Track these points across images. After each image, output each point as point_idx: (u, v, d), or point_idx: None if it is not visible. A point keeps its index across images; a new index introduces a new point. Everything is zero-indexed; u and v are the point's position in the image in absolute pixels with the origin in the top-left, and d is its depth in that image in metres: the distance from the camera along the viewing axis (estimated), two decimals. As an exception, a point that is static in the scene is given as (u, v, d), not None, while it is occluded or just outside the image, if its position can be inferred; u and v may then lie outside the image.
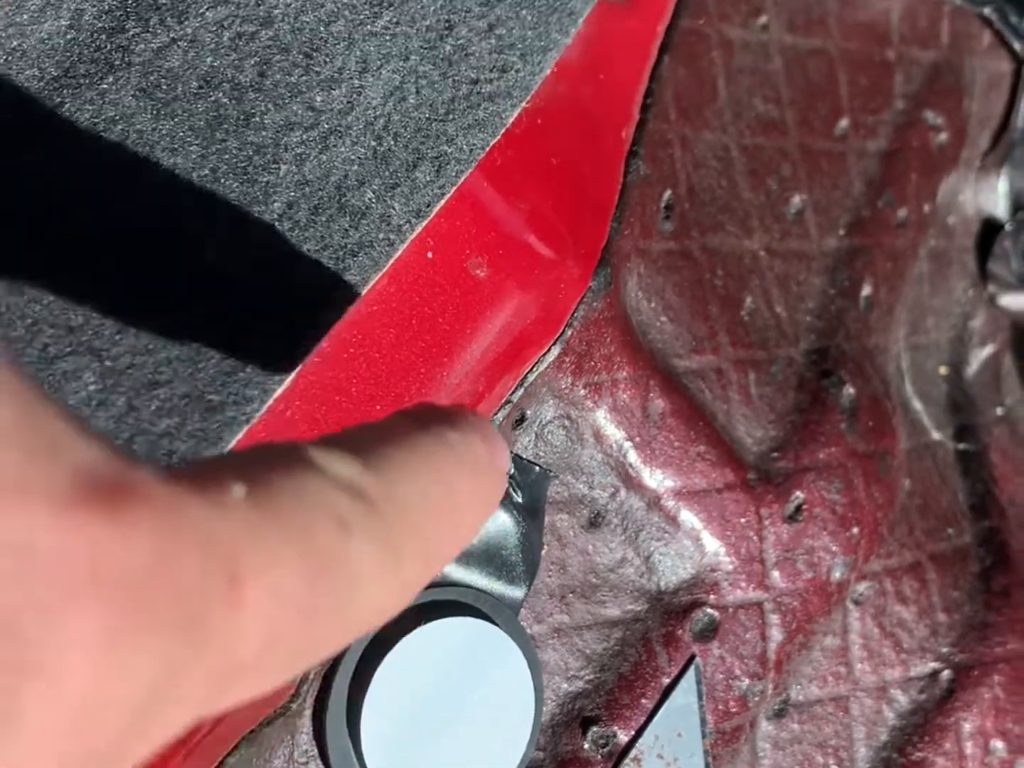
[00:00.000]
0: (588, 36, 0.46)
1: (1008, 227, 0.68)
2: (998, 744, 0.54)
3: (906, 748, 0.52)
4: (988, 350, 0.68)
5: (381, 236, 0.39)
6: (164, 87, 0.38)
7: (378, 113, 0.39)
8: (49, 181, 0.37)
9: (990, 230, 0.68)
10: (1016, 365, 0.72)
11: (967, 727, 0.53)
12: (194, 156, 0.38)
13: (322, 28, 0.39)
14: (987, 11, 0.63)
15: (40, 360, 0.35)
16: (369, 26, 0.40)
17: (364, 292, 0.39)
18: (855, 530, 0.51)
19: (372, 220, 0.39)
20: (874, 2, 0.60)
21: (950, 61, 0.63)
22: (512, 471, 0.45)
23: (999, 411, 0.66)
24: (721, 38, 0.53)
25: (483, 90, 0.41)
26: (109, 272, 0.37)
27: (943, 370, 0.64)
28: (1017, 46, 0.66)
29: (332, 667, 0.43)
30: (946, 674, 0.54)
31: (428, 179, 0.40)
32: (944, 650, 0.54)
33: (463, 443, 0.27)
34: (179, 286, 0.37)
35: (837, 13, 0.58)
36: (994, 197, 0.68)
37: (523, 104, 0.42)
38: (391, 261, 0.39)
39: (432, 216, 0.40)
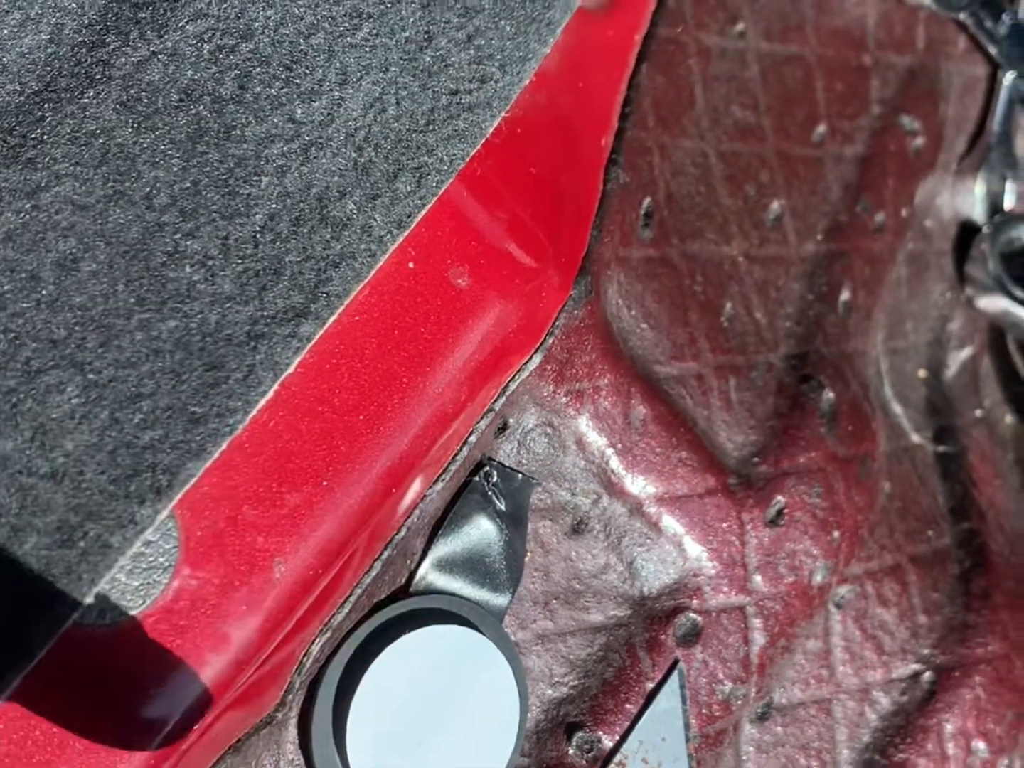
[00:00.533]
0: (566, 46, 0.47)
1: (985, 230, 0.68)
2: (980, 745, 0.54)
3: (888, 750, 0.53)
4: (966, 352, 0.69)
5: (363, 247, 0.39)
6: (145, 100, 0.38)
7: (358, 124, 0.40)
8: (32, 193, 0.37)
9: (967, 233, 0.69)
10: (995, 367, 0.73)
11: (949, 728, 0.54)
12: (175, 169, 0.38)
13: (302, 40, 0.40)
14: (962, 16, 0.64)
15: (23, 374, 0.36)
16: (349, 38, 0.40)
17: (346, 303, 0.39)
18: (836, 533, 0.51)
19: (353, 231, 0.39)
20: (850, 8, 0.60)
21: (926, 66, 0.63)
22: (495, 478, 0.45)
23: (978, 413, 0.67)
24: (698, 46, 0.53)
25: (463, 101, 0.41)
26: (92, 284, 0.37)
27: (922, 373, 0.65)
28: (992, 51, 0.66)
29: (317, 676, 0.43)
30: (927, 676, 0.54)
31: (409, 190, 0.40)
32: (925, 652, 0.54)
33: None
34: (161, 298, 0.37)
35: (814, 20, 0.58)
36: (971, 200, 0.69)
37: (502, 114, 0.43)
38: (372, 272, 0.39)
39: (413, 227, 0.40)
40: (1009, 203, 0.70)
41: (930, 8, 0.63)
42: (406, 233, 0.40)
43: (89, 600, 0.35)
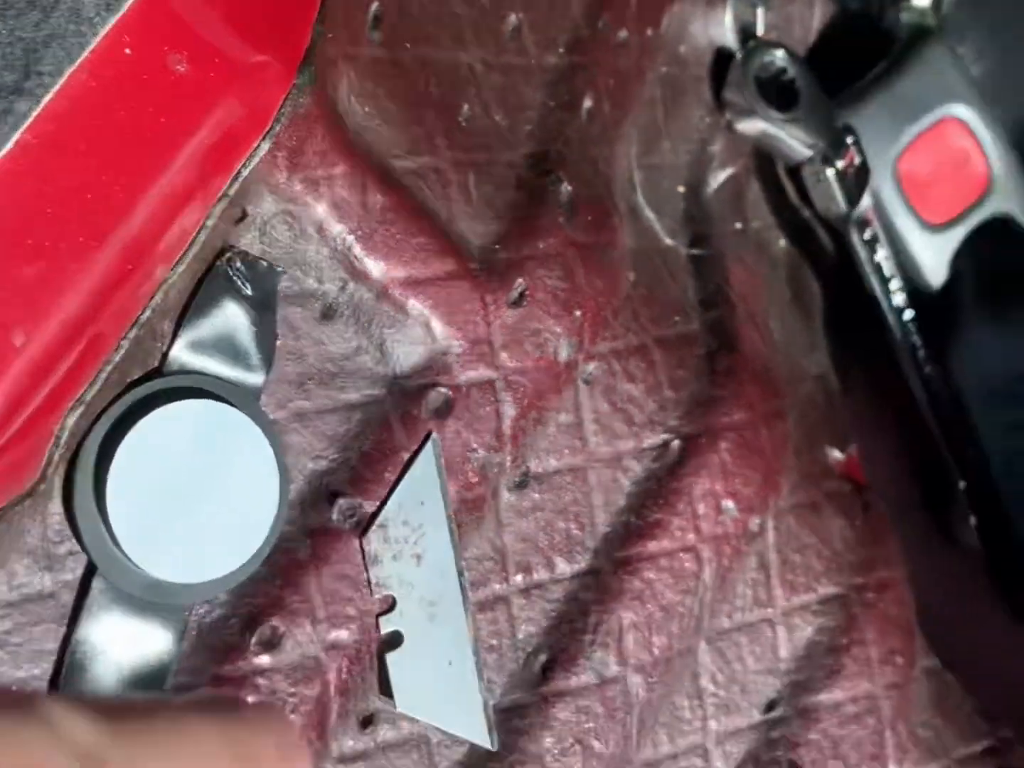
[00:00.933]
0: None
1: (739, 56, 0.72)
2: (729, 504, 0.59)
3: (642, 511, 0.57)
4: (728, 172, 0.73)
5: (72, 27, 0.41)
6: None
7: None
8: None
9: (723, 60, 0.73)
10: (765, 192, 0.77)
11: (698, 490, 0.58)
12: None
13: None
14: None
15: None
16: None
17: (60, 82, 0.42)
18: (578, 313, 0.55)
19: (62, 12, 0.41)
20: None
21: None
22: (238, 264, 0.48)
23: (738, 225, 0.71)
24: None
25: None
26: None
27: (681, 188, 0.69)
28: None
29: (76, 451, 0.46)
30: (676, 443, 0.59)
31: None
32: (673, 423, 0.59)
33: (248, 741, 0.26)
34: None
35: None
36: (723, 26, 0.73)
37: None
38: (84, 53, 0.42)
39: (124, 11, 0.43)
40: (761, 30, 0.75)
41: None
42: (116, 16, 0.42)
43: None
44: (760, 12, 0.74)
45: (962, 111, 0.80)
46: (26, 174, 0.42)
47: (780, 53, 0.73)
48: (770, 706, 0.61)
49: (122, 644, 0.47)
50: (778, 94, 0.74)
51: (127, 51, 0.44)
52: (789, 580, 0.62)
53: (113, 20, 0.42)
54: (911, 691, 0.66)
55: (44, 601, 0.46)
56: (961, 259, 0.81)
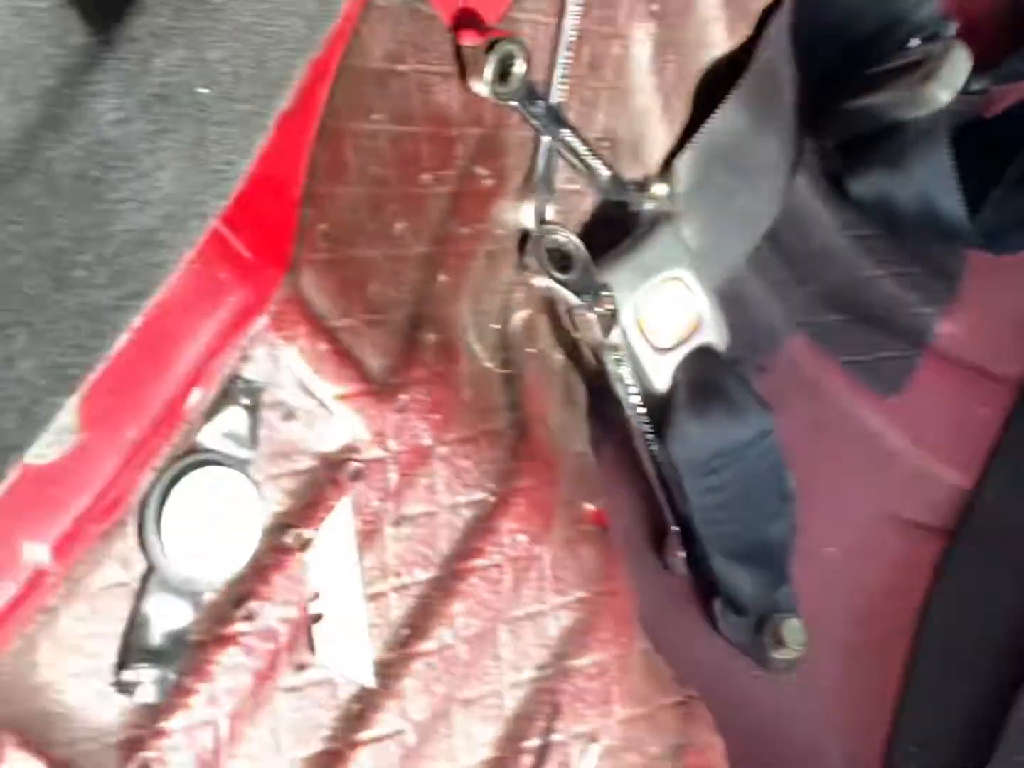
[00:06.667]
0: (274, 136, 0.81)
1: (535, 234, 1.07)
2: (522, 537, 0.93)
3: (469, 540, 0.91)
4: (525, 313, 1.07)
5: (171, 258, 0.73)
6: None
7: (169, 189, 0.73)
8: None
9: (527, 237, 1.07)
10: (549, 323, 1.12)
11: (504, 527, 0.92)
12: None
13: None
14: (514, 103, 1.02)
15: None
16: None
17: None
18: (437, 416, 0.89)
19: (167, 249, 0.73)
20: (442, 101, 0.97)
21: (494, 134, 1.01)
22: (241, 386, 0.80)
23: (532, 350, 1.06)
24: (350, 130, 0.89)
25: (221, 175, 0.75)
26: None
27: (495, 325, 1.03)
28: (534, 123, 1.05)
29: (147, 496, 0.77)
30: (491, 499, 0.93)
31: (194, 225, 0.74)
32: (490, 485, 0.93)
33: None
34: None
35: (420, 109, 0.95)
36: (526, 216, 1.07)
37: (241, 182, 0.77)
38: (178, 268, 0.73)
39: (197, 246, 0.74)
40: (551, 216, 1.09)
41: (492, 100, 1.00)
42: (194, 249, 0.74)
43: None
44: (550, 206, 1.09)
45: (683, 272, 1.17)
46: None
47: (563, 233, 1.08)
48: (541, 667, 0.96)
49: (163, 613, 0.78)
50: (560, 260, 1.09)
51: (196, 266, 0.75)
52: (557, 587, 0.97)
53: (191, 251, 0.74)
54: (631, 661, 1.01)
55: (123, 587, 0.77)
56: (679, 372, 1.17)
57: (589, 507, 1.02)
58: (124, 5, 0.77)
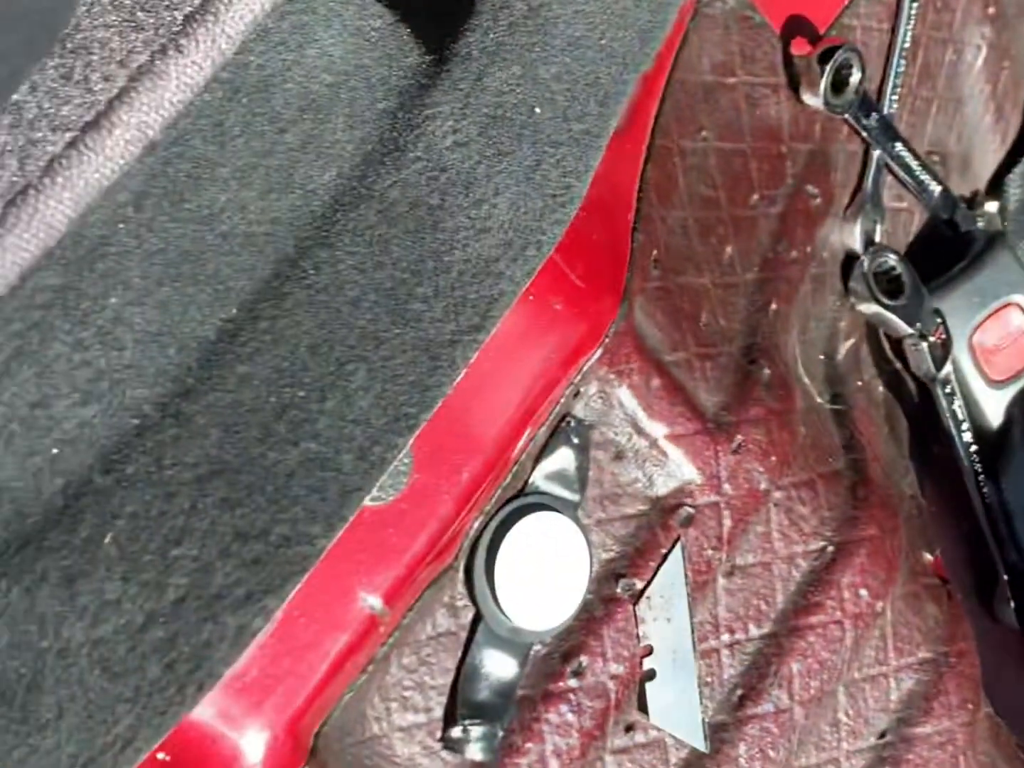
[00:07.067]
0: (604, 157, 0.76)
1: (863, 257, 0.99)
2: (863, 592, 0.85)
3: (806, 594, 0.83)
4: (850, 342, 0.99)
5: (509, 288, 0.68)
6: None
7: (505, 218, 0.68)
8: None
9: (851, 259, 1.00)
10: (871, 353, 1.04)
11: (844, 581, 0.84)
12: (408, 244, 0.66)
13: (475, 170, 0.68)
14: (846, 116, 0.95)
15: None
16: (497, 167, 0.69)
17: (499, 322, 0.68)
18: (773, 458, 0.82)
19: (504, 278, 0.68)
20: (771, 114, 0.90)
21: (822, 149, 0.94)
22: (572, 424, 0.75)
23: (859, 383, 0.98)
24: (679, 148, 0.83)
25: (558, 200, 0.70)
26: None
27: (821, 356, 0.95)
28: (865, 135, 0.97)
29: (476, 540, 0.72)
30: (830, 549, 0.85)
31: (531, 254, 0.69)
32: (829, 534, 0.85)
33: None
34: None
35: (749, 124, 0.89)
36: (853, 237, 0.99)
37: (579, 206, 0.72)
38: (513, 301, 0.68)
39: (534, 276, 0.69)
40: (879, 237, 1.01)
41: (824, 111, 0.93)
42: (531, 279, 0.69)
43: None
44: (879, 226, 1.01)
45: (1020, 298, 1.07)
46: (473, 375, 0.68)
47: (892, 256, 1.00)
48: (882, 734, 0.87)
49: (492, 666, 0.73)
50: (888, 285, 1.01)
51: (530, 297, 0.71)
52: (899, 646, 0.88)
53: (529, 281, 0.69)
54: (977, 729, 0.91)
55: (451, 636, 0.72)
56: (1014, 407, 1.07)
57: (928, 557, 0.93)
58: (456, 23, 0.73)
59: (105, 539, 0.59)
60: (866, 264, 0.98)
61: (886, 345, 1.03)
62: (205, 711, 0.63)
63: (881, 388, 1.03)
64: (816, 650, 0.83)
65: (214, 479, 0.60)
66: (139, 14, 0.59)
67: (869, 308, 0.98)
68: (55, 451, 0.60)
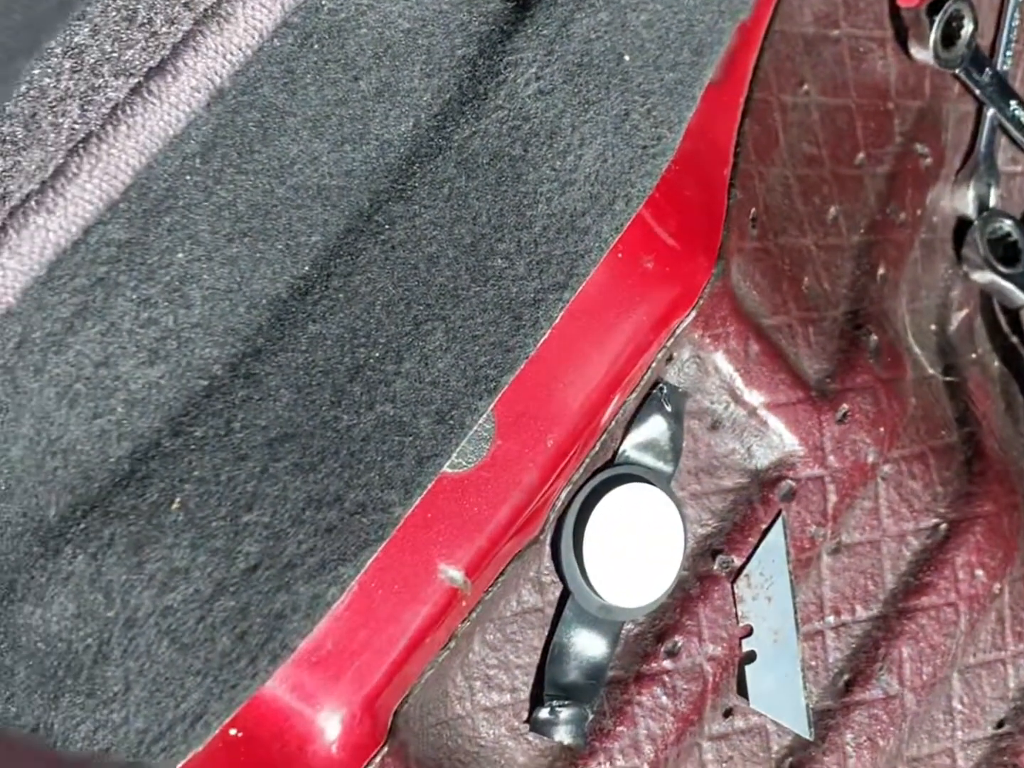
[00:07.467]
0: (699, 109, 0.72)
1: (976, 222, 0.93)
2: (979, 572, 0.80)
3: (918, 574, 0.78)
4: (964, 313, 0.94)
5: (596, 244, 0.64)
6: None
7: (592, 169, 0.65)
8: None
9: (964, 225, 0.94)
10: (985, 324, 0.98)
11: (959, 560, 0.79)
12: (490, 197, 0.63)
13: (560, 120, 0.65)
14: (957, 71, 0.89)
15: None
16: (582, 116, 0.65)
17: (586, 279, 0.64)
18: (881, 429, 0.77)
19: (591, 235, 0.64)
20: (878, 69, 0.85)
21: (932, 107, 0.89)
22: (665, 391, 0.71)
23: (973, 356, 0.92)
24: (779, 102, 0.79)
25: (649, 151, 0.67)
26: None
27: (933, 326, 0.90)
28: (978, 93, 0.92)
29: (564, 512, 0.68)
30: (944, 526, 0.80)
31: (620, 208, 0.65)
32: (942, 510, 0.80)
33: None
34: (480, 281, 0.62)
35: (853, 79, 0.84)
36: (965, 202, 0.94)
37: (669, 160, 0.68)
38: (603, 256, 0.64)
39: (623, 232, 0.65)
40: (993, 202, 0.95)
41: (934, 66, 0.88)
42: (619, 235, 0.65)
43: None
44: (993, 190, 0.95)
45: None
46: (555, 341, 0.65)
47: (1008, 222, 0.94)
48: (1000, 723, 0.82)
49: (581, 645, 0.69)
50: (1004, 252, 0.95)
51: (619, 255, 0.67)
52: (1018, 630, 0.82)
53: (618, 237, 0.65)
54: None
55: (537, 613, 0.69)
56: None
57: (1050, 537, 0.87)
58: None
59: (173, 504, 0.57)
60: (980, 230, 0.93)
61: (1001, 317, 0.98)
62: (278, 686, 0.60)
63: (997, 363, 0.97)
64: (928, 633, 0.78)
65: (286, 443, 0.58)
66: (206, -45, 0.57)
67: (983, 276, 0.93)
68: (121, 412, 0.57)
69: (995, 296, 0.95)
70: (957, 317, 0.94)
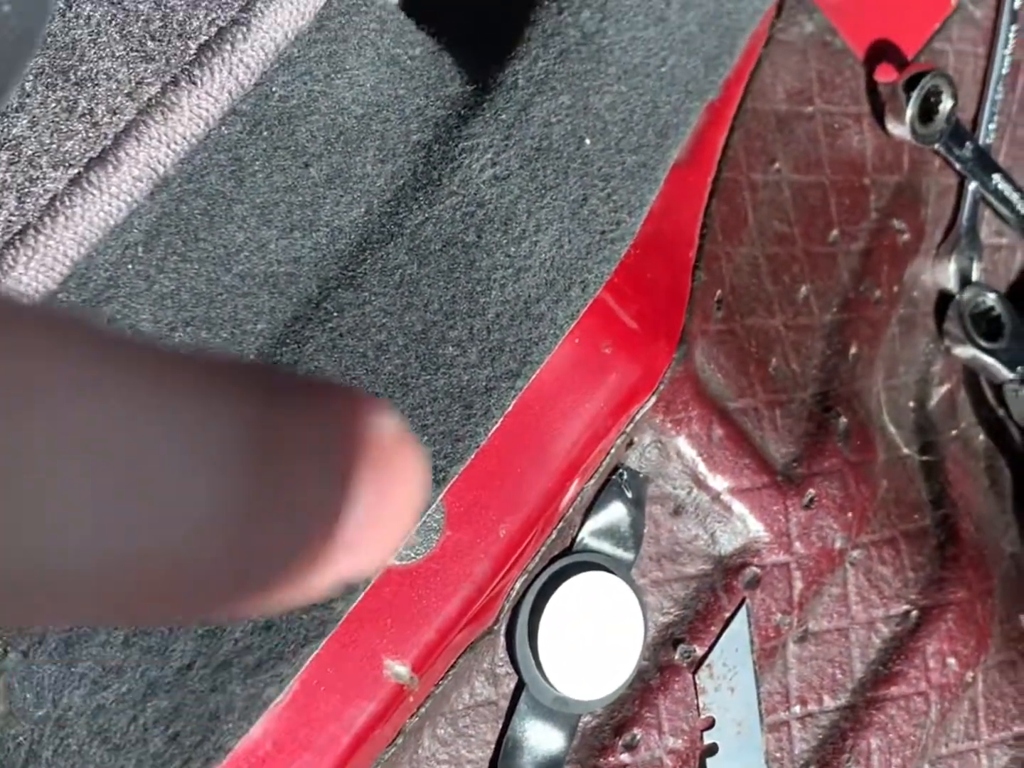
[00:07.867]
0: (664, 191, 0.71)
1: (958, 297, 0.92)
2: (952, 660, 0.78)
3: (888, 663, 0.76)
4: (945, 388, 0.92)
5: (551, 332, 0.63)
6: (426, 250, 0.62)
7: (547, 255, 0.64)
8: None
9: (945, 299, 0.93)
10: (970, 398, 0.97)
11: (930, 649, 0.77)
12: (441, 285, 0.62)
13: (514, 207, 0.64)
14: (936, 146, 0.88)
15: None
16: (539, 203, 0.65)
17: (541, 367, 0.63)
18: (849, 515, 0.75)
19: (546, 322, 0.63)
20: (853, 144, 0.84)
21: (910, 182, 0.88)
22: (626, 477, 0.70)
23: (954, 433, 0.91)
24: (749, 181, 0.78)
25: (607, 237, 0.66)
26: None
27: (911, 404, 0.88)
28: (959, 167, 0.90)
29: (519, 603, 0.67)
30: (915, 613, 0.78)
31: (576, 295, 0.64)
32: (913, 597, 0.78)
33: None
34: (431, 362, 0.61)
35: (827, 155, 0.83)
36: (947, 275, 0.92)
37: (629, 244, 0.67)
38: (557, 345, 0.63)
39: (579, 318, 0.64)
40: (976, 276, 0.94)
41: (912, 142, 0.87)
42: (575, 321, 0.64)
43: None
44: (976, 263, 0.94)
45: None
46: (507, 427, 0.64)
47: (992, 295, 0.93)
48: (974, 817, 0.80)
49: (535, 739, 0.68)
50: (987, 327, 0.94)
51: (576, 340, 0.66)
52: (991, 720, 0.80)
53: (573, 324, 0.64)
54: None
55: (491, 706, 0.67)
56: None
57: (1027, 622, 0.85)
58: (502, 51, 0.69)
59: None
60: (962, 304, 0.91)
61: (987, 390, 0.96)
62: (216, 787, 0.59)
63: (981, 437, 0.95)
64: (897, 724, 0.76)
65: None
66: (149, 44, 0.56)
67: (965, 351, 0.92)
68: None
69: (978, 371, 0.94)
70: (938, 392, 0.92)
